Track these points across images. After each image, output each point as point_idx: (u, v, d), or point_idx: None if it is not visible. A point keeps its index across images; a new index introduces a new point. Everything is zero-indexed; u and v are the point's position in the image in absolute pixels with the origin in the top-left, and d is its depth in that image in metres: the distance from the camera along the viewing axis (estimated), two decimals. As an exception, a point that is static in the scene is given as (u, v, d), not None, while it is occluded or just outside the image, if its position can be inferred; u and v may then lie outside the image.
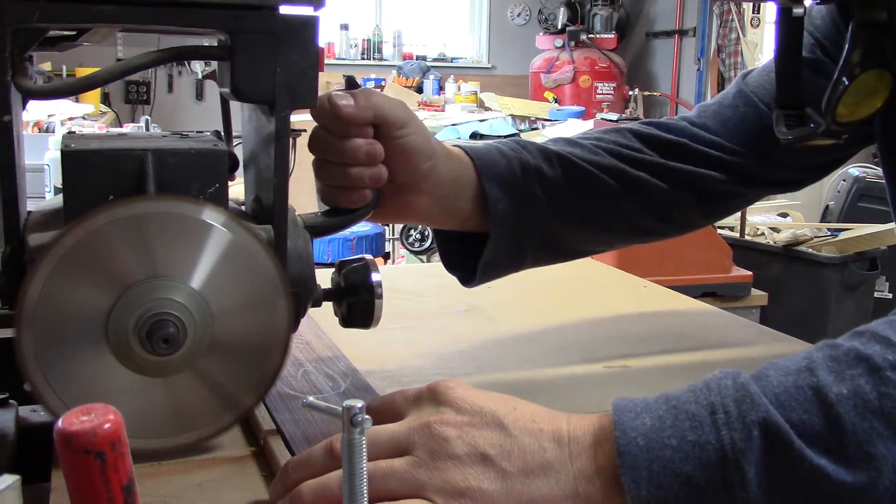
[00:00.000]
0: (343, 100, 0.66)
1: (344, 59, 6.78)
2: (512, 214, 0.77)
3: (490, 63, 7.37)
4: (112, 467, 0.37)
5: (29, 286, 0.52)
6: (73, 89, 0.59)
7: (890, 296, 3.44)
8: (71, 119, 3.41)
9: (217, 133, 0.68)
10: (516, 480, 0.49)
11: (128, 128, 3.58)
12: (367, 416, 0.43)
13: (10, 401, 0.66)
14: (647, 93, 6.34)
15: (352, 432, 0.43)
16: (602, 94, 6.13)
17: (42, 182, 2.54)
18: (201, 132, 0.66)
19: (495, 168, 0.77)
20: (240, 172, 0.68)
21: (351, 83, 0.68)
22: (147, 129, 3.74)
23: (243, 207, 0.68)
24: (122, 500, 0.38)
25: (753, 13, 5.45)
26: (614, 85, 6.21)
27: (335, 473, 0.50)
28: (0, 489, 0.45)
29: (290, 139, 0.60)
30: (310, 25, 0.58)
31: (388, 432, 0.52)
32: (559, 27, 6.49)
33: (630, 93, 6.23)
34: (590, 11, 6.59)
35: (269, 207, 0.61)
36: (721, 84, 5.88)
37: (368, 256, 0.71)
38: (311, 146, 0.68)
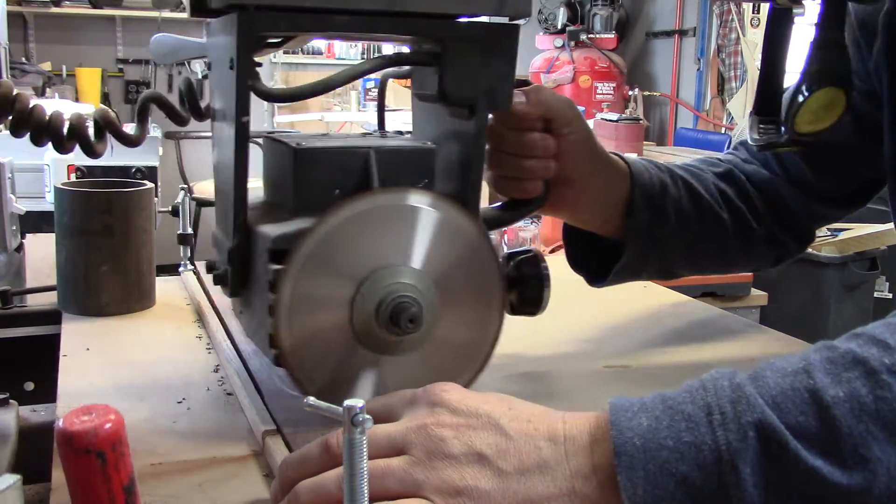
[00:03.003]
0: (517, 97, 0.70)
1: (344, 58, 6.77)
2: (647, 226, 0.83)
3: (490, 63, 7.36)
4: (113, 467, 0.37)
5: (286, 276, 0.57)
6: (312, 92, 0.63)
7: (890, 296, 3.43)
8: (71, 119, 3.40)
9: (399, 132, 0.72)
10: (513, 479, 0.49)
11: (128, 128, 3.57)
12: (367, 416, 0.43)
13: (11, 401, 0.66)
14: (647, 93, 6.34)
15: (352, 432, 0.43)
16: (602, 94, 6.12)
17: (42, 182, 2.54)
18: (400, 132, 0.72)
19: (642, 178, 0.82)
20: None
21: (522, 84, 0.71)
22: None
23: None
24: (122, 499, 0.38)
25: (753, 13, 5.45)
26: (614, 85, 6.20)
27: (332, 472, 0.50)
28: (1, 489, 0.45)
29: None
30: (513, 33, 0.62)
31: (384, 432, 0.52)
32: (559, 27, 6.48)
33: (630, 93, 6.23)
34: (590, 11, 6.58)
35: (454, 200, 0.64)
36: (721, 84, 5.88)
37: (535, 248, 0.74)
38: (490, 137, 0.73)
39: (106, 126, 0.64)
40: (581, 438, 0.50)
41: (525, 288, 0.72)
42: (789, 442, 0.46)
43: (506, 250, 0.75)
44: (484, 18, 0.61)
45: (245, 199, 0.61)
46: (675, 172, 0.87)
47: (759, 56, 0.82)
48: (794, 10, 0.79)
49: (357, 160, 0.61)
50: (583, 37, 6.30)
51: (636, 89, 6.24)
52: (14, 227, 1.04)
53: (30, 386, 0.70)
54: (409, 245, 0.60)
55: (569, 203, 0.80)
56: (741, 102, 5.36)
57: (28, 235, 1.17)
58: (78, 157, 2.26)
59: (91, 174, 2.75)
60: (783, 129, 0.80)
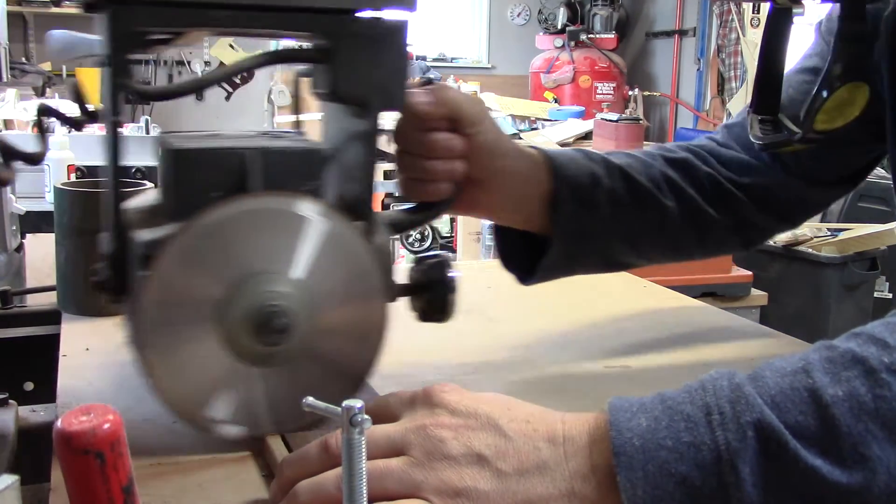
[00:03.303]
0: (420, 95, 0.68)
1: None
2: (576, 219, 0.79)
3: (490, 63, 7.37)
4: (111, 467, 0.37)
5: (147, 280, 0.54)
6: (183, 91, 0.60)
7: (890, 296, 3.43)
8: (71, 119, 3.40)
9: (300, 132, 0.70)
10: (512, 480, 0.49)
11: (127, 128, 3.58)
12: (366, 416, 0.43)
13: (10, 401, 0.66)
14: (646, 93, 6.34)
15: (351, 432, 0.43)
16: (602, 94, 6.13)
17: (42, 182, 2.54)
18: (290, 131, 0.69)
19: (567, 171, 0.79)
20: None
21: (427, 84, 0.70)
22: (147, 129, 3.74)
23: None
24: (121, 500, 0.38)
25: (753, 13, 5.45)
26: (614, 85, 6.21)
27: (331, 473, 0.50)
28: (0, 489, 0.45)
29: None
30: (403, 28, 0.59)
31: (383, 432, 0.52)
32: (559, 27, 6.49)
33: (630, 93, 6.23)
34: (590, 11, 6.59)
35: (353, 204, 0.62)
36: (721, 84, 5.88)
37: (444, 253, 0.73)
38: (395, 138, 0.71)
39: (5, 153, 0.63)
40: (580, 439, 0.50)
41: (432, 294, 0.69)
42: (788, 441, 0.46)
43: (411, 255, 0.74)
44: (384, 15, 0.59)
45: (120, 201, 0.59)
46: (612, 162, 0.83)
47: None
48: (794, 10, 0.79)
49: (236, 161, 0.58)
50: (583, 37, 6.30)
51: (636, 89, 6.25)
52: (14, 227, 1.04)
53: (29, 386, 0.70)
54: (282, 252, 0.57)
55: (482, 204, 0.77)
56: (741, 102, 5.36)
57: (28, 235, 1.17)
58: (78, 156, 2.25)
59: (91, 174, 2.75)
60: (786, 129, 0.80)
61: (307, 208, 0.57)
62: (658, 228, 0.85)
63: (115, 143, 0.57)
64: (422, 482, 0.49)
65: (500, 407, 0.52)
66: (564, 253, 0.80)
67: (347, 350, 0.60)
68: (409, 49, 0.61)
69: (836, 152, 0.89)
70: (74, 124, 0.63)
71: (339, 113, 0.66)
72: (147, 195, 0.66)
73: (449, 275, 0.69)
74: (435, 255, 0.71)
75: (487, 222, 3.59)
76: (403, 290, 0.70)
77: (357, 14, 0.58)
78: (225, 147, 0.59)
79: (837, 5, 0.84)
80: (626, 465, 0.47)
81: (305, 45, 0.64)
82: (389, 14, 0.58)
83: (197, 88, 0.60)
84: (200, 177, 0.58)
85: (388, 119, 0.68)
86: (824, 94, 0.74)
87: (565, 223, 0.79)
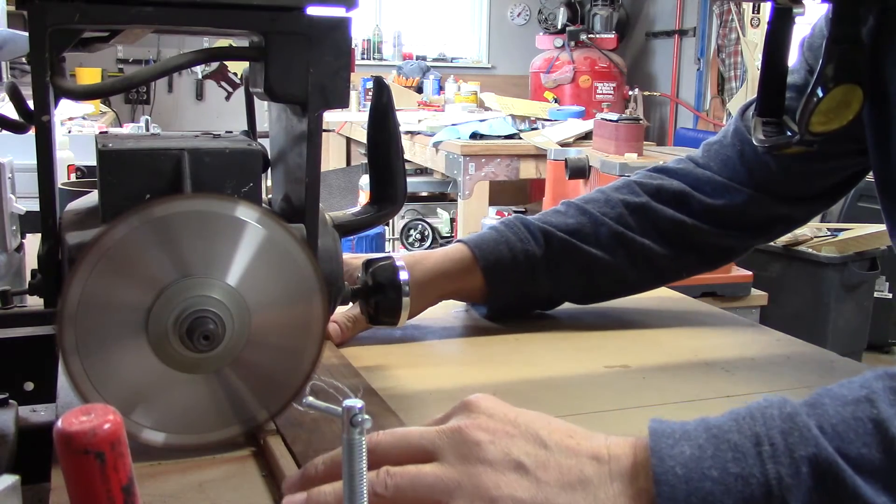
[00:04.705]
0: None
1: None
2: (515, 303, 0.93)
3: (490, 63, 7.37)
4: (112, 467, 0.37)
5: (70, 284, 0.52)
6: (113, 90, 0.59)
7: (890, 296, 3.43)
8: (71, 119, 3.40)
9: (246, 133, 0.68)
10: (552, 492, 0.46)
11: (127, 128, 3.58)
12: (366, 417, 0.43)
13: (10, 401, 0.66)
14: (647, 93, 6.34)
15: (351, 433, 0.43)
16: (602, 94, 6.12)
17: (42, 182, 2.53)
18: (230, 132, 0.68)
19: (493, 257, 0.89)
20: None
21: (379, 84, 0.69)
22: (147, 129, 3.74)
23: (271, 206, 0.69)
24: (121, 500, 0.38)
25: (753, 13, 5.44)
26: (614, 85, 6.20)
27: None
28: (0, 489, 0.45)
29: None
30: (342, 26, 0.58)
31: (417, 434, 0.50)
32: (559, 27, 6.48)
33: (630, 93, 6.23)
34: (590, 11, 6.58)
35: (298, 206, 0.61)
36: (721, 84, 5.88)
37: (395, 254, 0.72)
38: None
39: None
40: (626, 460, 0.48)
41: (383, 297, 0.68)
42: (847, 477, 0.44)
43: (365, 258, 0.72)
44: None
45: (52, 202, 0.57)
46: (554, 237, 0.91)
47: (760, 56, 0.82)
48: (795, 10, 0.79)
49: (169, 162, 0.57)
50: (583, 37, 6.30)
51: (636, 89, 6.25)
52: (14, 227, 1.04)
53: (29, 386, 0.70)
54: (211, 255, 0.55)
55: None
56: (741, 102, 5.35)
57: (28, 235, 1.16)
58: (78, 156, 2.25)
59: (91, 174, 2.74)
60: (789, 130, 0.80)
61: (240, 210, 0.55)
62: (608, 281, 0.95)
63: (44, 143, 0.55)
64: (455, 489, 0.46)
65: (540, 419, 0.50)
66: (510, 307, 0.94)
67: (281, 358, 0.58)
68: (352, 46, 0.60)
69: (815, 167, 0.90)
70: (13, 127, 0.61)
71: (283, 113, 0.65)
72: (91, 196, 0.64)
73: (399, 277, 0.68)
74: (386, 258, 0.71)
75: (489, 222, 3.58)
76: (353, 294, 0.69)
77: (291, 11, 0.56)
78: (156, 148, 0.58)
79: (824, 18, 0.84)
80: (669, 495, 0.45)
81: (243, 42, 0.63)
82: (327, 11, 0.57)
83: (124, 87, 0.58)
84: (132, 178, 0.57)
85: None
86: (819, 93, 0.74)
87: (504, 309, 0.94)
